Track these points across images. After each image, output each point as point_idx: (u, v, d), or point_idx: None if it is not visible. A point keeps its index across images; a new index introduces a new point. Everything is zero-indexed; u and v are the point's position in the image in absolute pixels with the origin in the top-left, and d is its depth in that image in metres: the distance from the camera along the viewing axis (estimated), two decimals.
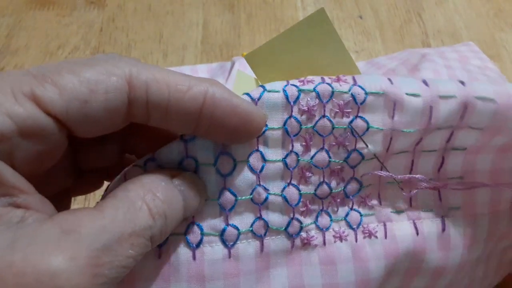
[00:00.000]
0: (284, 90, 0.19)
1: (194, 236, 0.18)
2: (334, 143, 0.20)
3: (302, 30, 0.20)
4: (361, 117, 0.20)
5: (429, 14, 0.50)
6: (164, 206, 0.16)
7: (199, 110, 0.16)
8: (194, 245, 0.18)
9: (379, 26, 0.49)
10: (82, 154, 0.19)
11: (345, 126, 0.20)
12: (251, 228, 0.19)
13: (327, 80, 0.20)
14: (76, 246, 0.13)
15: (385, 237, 0.21)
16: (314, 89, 0.19)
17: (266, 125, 0.19)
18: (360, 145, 0.20)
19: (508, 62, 0.45)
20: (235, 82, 0.21)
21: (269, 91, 0.19)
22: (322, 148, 0.20)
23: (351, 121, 0.20)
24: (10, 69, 0.42)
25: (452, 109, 0.20)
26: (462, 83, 0.20)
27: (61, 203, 0.20)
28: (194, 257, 0.18)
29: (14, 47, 0.44)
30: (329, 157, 0.20)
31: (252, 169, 0.19)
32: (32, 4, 0.48)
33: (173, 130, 0.18)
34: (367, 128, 0.20)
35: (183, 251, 0.18)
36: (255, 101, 0.19)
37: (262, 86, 0.19)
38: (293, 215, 0.20)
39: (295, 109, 0.19)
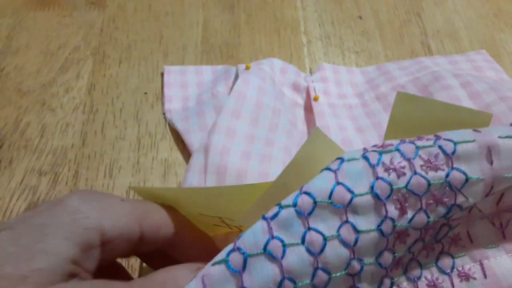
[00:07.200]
0: (364, 156, 0.18)
1: None
2: (431, 201, 0.18)
3: (459, 118, 0.20)
4: (457, 168, 0.18)
5: (429, 14, 0.51)
6: None
7: None
8: None
9: (378, 27, 0.49)
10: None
11: (442, 181, 0.18)
12: None
13: (407, 140, 0.19)
14: None
15: (485, 276, 0.20)
16: (397, 149, 0.18)
17: (353, 193, 0.18)
18: (460, 199, 0.18)
19: (507, 62, 0.45)
20: (309, 139, 0.20)
21: (348, 161, 0.18)
22: (420, 209, 0.18)
23: (447, 174, 0.18)
24: (11, 70, 0.42)
25: None
26: None
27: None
28: None
29: (14, 48, 0.44)
30: (428, 216, 0.18)
31: (344, 243, 0.17)
32: (32, 5, 0.49)
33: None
34: (466, 180, 0.18)
35: None
36: (335, 172, 0.18)
37: (340, 158, 0.18)
38: (386, 274, 0.19)
39: (380, 169, 0.18)
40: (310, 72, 0.44)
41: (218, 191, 0.23)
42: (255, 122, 0.34)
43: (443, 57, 0.45)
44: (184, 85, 0.41)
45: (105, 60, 0.44)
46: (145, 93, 0.41)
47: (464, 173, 0.18)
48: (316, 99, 0.39)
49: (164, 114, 0.39)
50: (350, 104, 0.40)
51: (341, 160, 0.18)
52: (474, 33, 0.48)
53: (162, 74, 0.43)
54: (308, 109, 0.40)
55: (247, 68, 0.39)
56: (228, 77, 0.40)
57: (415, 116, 0.21)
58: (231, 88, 0.38)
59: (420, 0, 0.52)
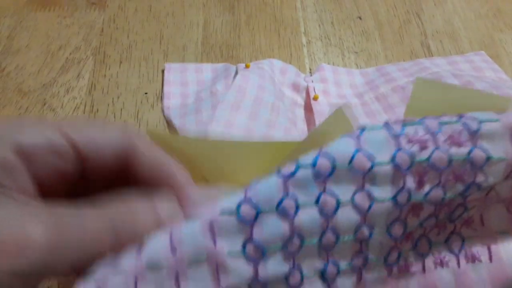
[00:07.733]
0: (386, 126, 0.18)
1: (294, 278, 0.17)
2: (451, 177, 0.18)
3: (478, 102, 0.20)
4: (480, 146, 0.18)
5: (428, 14, 0.51)
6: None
7: None
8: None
9: (378, 27, 0.49)
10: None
11: (464, 157, 0.18)
12: (350, 264, 0.18)
13: (431, 116, 0.18)
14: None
15: (490, 260, 0.20)
16: (420, 122, 0.18)
17: (373, 161, 0.17)
18: (480, 178, 0.18)
19: (507, 62, 0.46)
20: (330, 117, 0.20)
21: (370, 129, 0.18)
22: (438, 184, 0.18)
23: (470, 151, 0.18)
24: (12, 70, 0.43)
25: None
26: None
27: None
28: None
29: (15, 48, 0.44)
30: (444, 193, 0.18)
31: (357, 209, 0.17)
32: (33, 5, 0.49)
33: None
34: (488, 159, 0.18)
35: None
36: (356, 139, 0.17)
37: (360, 127, 0.18)
38: (395, 245, 0.19)
39: (403, 140, 0.18)
40: (310, 72, 0.44)
41: (233, 144, 0.22)
42: (254, 116, 0.34)
43: (442, 58, 0.45)
44: (184, 83, 0.41)
45: (106, 60, 0.44)
46: (146, 93, 0.41)
47: (487, 152, 0.18)
48: (315, 98, 0.39)
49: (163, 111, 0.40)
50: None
51: (362, 129, 0.18)
52: (473, 34, 0.49)
53: (162, 72, 0.43)
54: (308, 109, 0.40)
55: (247, 67, 0.39)
56: (227, 75, 0.40)
57: (433, 102, 0.20)
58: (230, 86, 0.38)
59: (419, 0, 0.52)
